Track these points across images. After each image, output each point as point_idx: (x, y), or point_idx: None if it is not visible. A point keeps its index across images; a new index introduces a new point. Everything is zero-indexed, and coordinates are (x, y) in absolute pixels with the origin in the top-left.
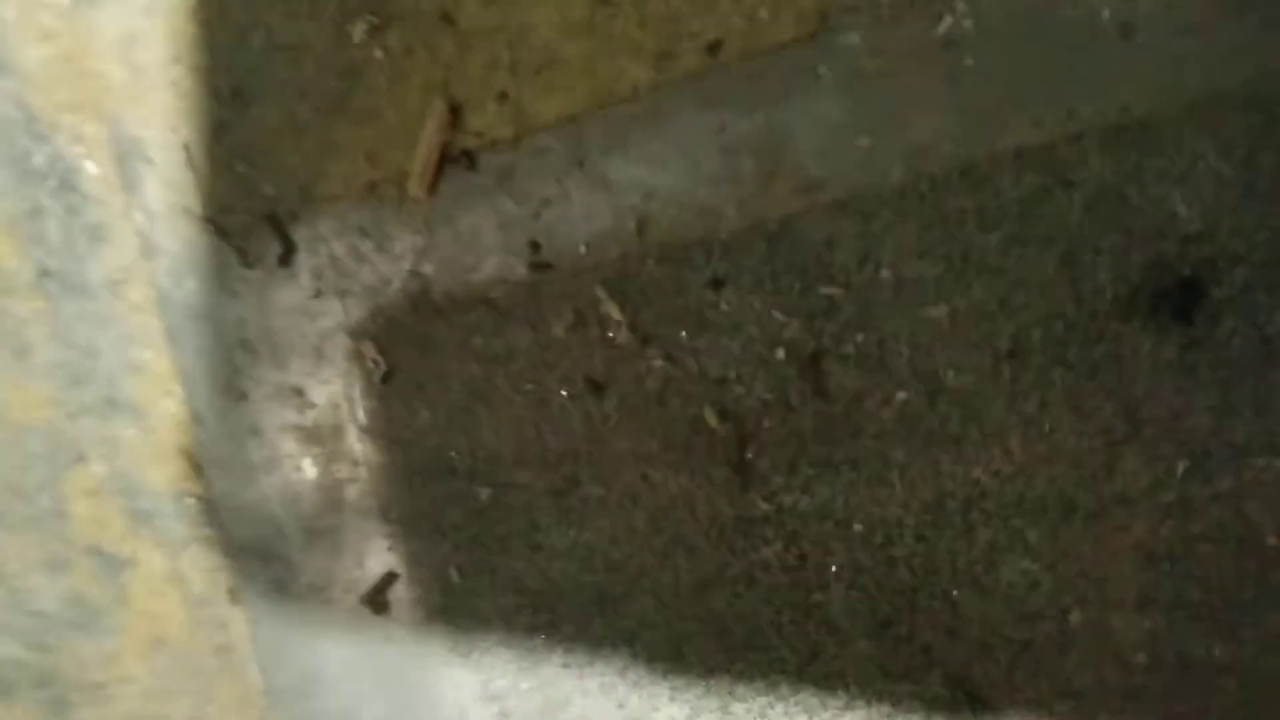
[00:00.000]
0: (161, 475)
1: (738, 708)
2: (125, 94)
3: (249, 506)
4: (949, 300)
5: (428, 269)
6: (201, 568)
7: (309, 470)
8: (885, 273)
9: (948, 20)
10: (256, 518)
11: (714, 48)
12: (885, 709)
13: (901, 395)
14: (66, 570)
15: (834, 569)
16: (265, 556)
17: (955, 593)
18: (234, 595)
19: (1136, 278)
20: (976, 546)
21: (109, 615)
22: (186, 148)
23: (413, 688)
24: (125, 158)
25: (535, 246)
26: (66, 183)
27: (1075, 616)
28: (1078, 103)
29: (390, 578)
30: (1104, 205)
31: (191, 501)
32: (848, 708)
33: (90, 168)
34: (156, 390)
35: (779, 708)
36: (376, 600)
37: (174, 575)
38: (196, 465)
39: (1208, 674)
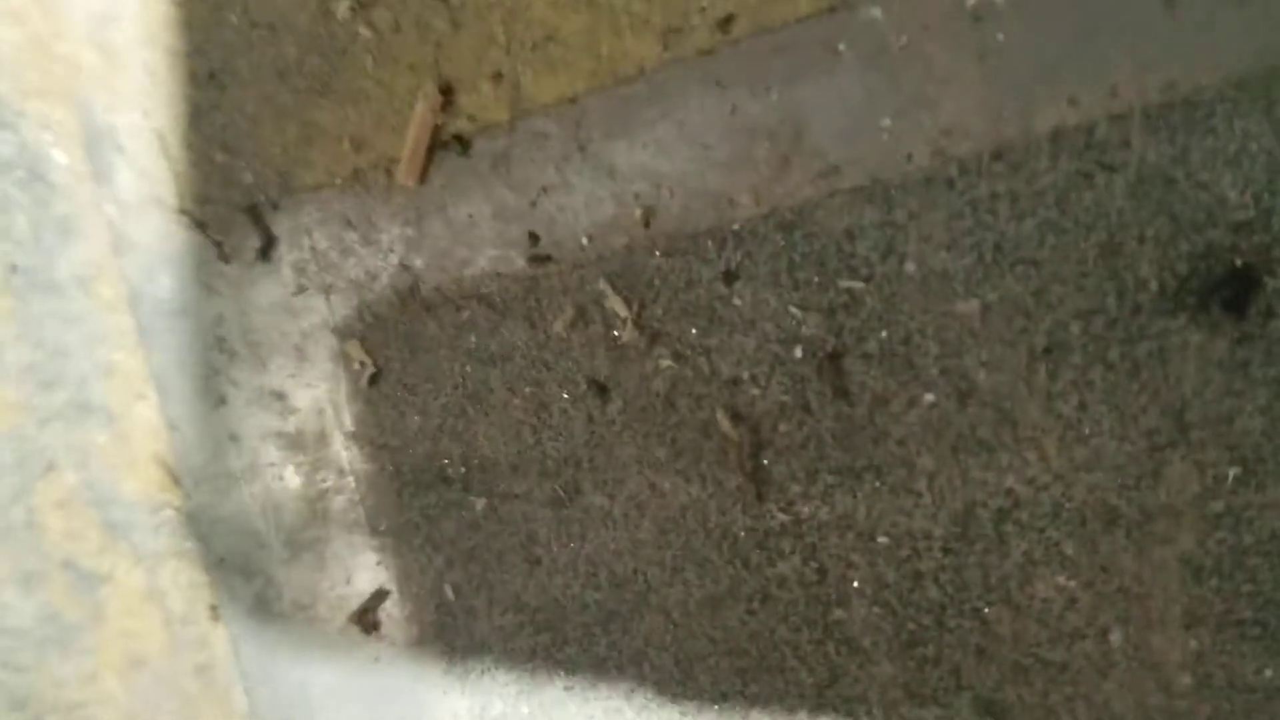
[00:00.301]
0: (136, 485)
1: None
2: (96, 78)
3: (228, 518)
4: (980, 294)
5: (418, 262)
6: (181, 584)
7: (292, 479)
8: (910, 265)
9: None
10: (237, 530)
11: (726, 23)
12: None
13: (929, 397)
14: (41, 585)
15: (856, 584)
16: (247, 572)
17: (986, 610)
18: (215, 613)
19: (1184, 268)
20: (1010, 560)
21: (85, 633)
22: (160, 135)
23: (404, 712)
24: (96, 146)
25: (533, 238)
26: (35, 173)
27: (1115, 636)
28: (1119, 80)
29: (380, 595)
30: (1148, 190)
31: (169, 513)
32: None
33: (59, 157)
34: (129, 394)
35: None
36: (365, 619)
37: (152, 591)
38: (172, 474)
39: (1259, 698)
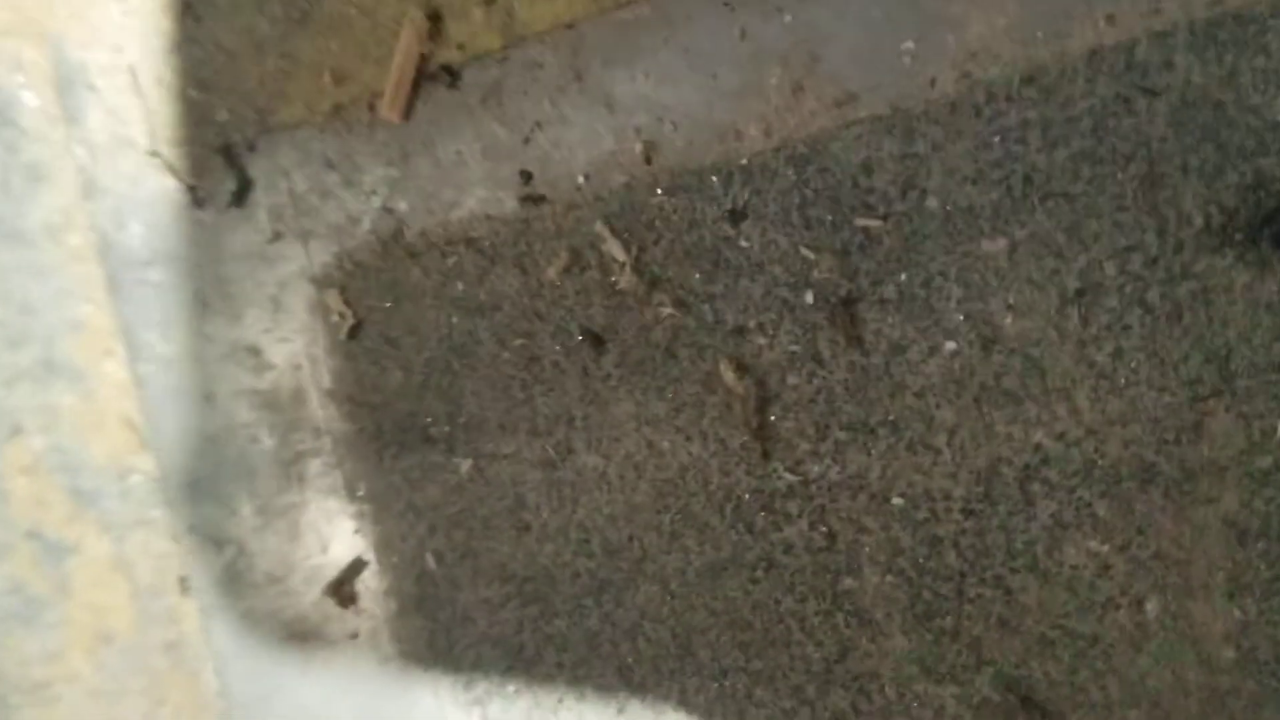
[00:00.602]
0: (104, 449)
1: (756, 714)
2: (68, 11)
3: (199, 484)
4: (1007, 232)
5: (402, 205)
6: (149, 554)
7: (266, 441)
8: (932, 201)
9: None
10: (207, 497)
11: None
12: (927, 716)
13: (950, 345)
14: (6, 557)
15: (868, 550)
16: (218, 541)
17: (1010, 578)
18: (185, 585)
19: (1231, 201)
20: (1036, 523)
21: (52, 607)
22: (132, 71)
23: (384, 689)
24: (67, 86)
25: (526, 176)
26: (4, 117)
27: (1152, 605)
28: None
29: (357, 565)
30: (1193, 116)
31: (137, 478)
32: (883, 714)
33: (29, 99)
34: (97, 350)
35: (803, 713)
36: (342, 591)
37: (120, 562)
38: (141, 436)
39: None
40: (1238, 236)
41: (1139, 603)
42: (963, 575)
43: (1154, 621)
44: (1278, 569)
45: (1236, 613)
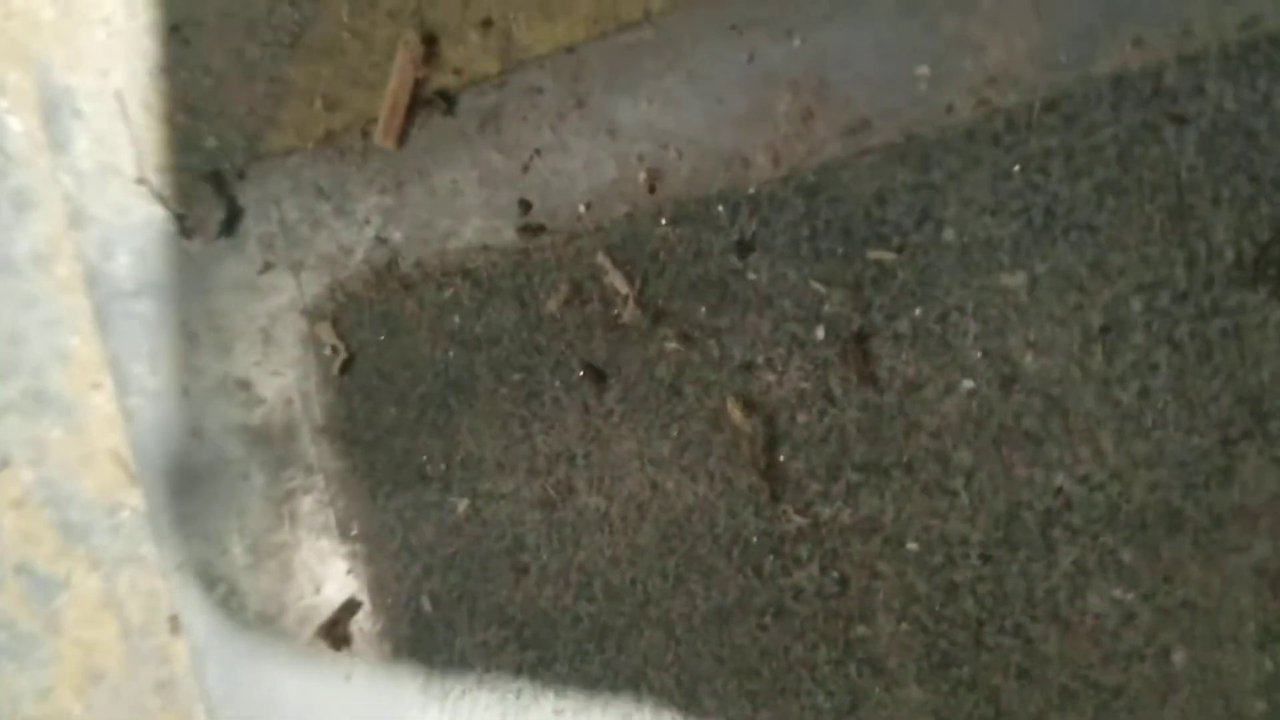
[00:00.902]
0: (93, 483)
1: None
2: (54, 35)
3: (189, 521)
4: (1027, 265)
5: (396, 235)
6: (140, 591)
7: (256, 478)
8: (949, 232)
9: None
10: (198, 534)
11: None
12: None
13: (967, 384)
14: None
15: (882, 596)
16: (208, 579)
17: (1031, 627)
18: (175, 624)
19: (1264, 234)
20: (1058, 570)
21: (42, 644)
22: (119, 96)
23: None
24: (53, 110)
25: (525, 205)
26: None
27: (1179, 656)
28: (1192, 15)
29: (351, 606)
30: (1224, 144)
31: (126, 513)
32: None
33: (15, 124)
34: (84, 382)
35: None
36: (335, 633)
37: (110, 599)
38: (130, 471)
39: None
40: (1271, 272)
41: (1165, 653)
42: (981, 623)
43: (1181, 673)
44: None
45: (1268, 664)
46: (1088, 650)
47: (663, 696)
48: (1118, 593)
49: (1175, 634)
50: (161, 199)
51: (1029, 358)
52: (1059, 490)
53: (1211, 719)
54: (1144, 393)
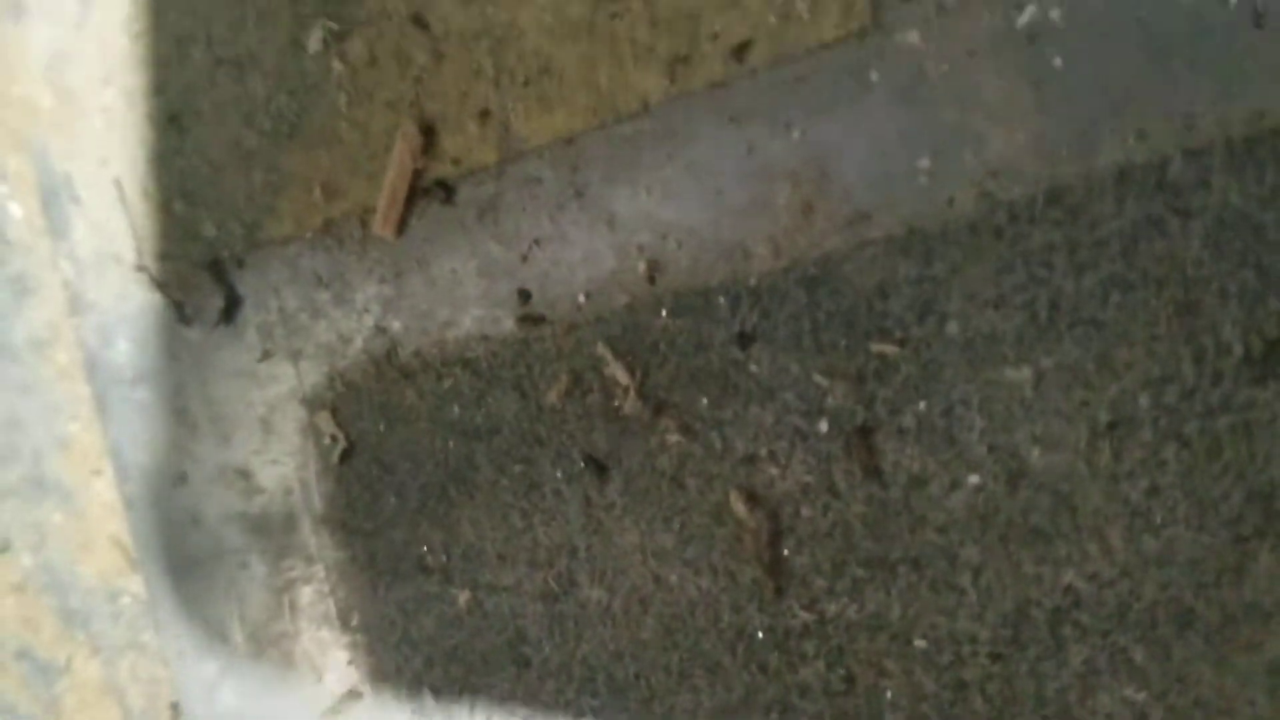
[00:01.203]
0: (93, 568)
1: None
2: (53, 123)
3: (189, 608)
4: (1032, 360)
5: (395, 324)
6: (140, 678)
7: (257, 567)
8: (952, 326)
9: (1030, 9)
10: (198, 622)
11: (740, 50)
12: None
13: (974, 479)
14: None
15: (889, 695)
16: (209, 668)
17: None
18: (176, 712)
19: (1273, 330)
20: (1068, 669)
21: None
22: (118, 184)
23: None
24: (52, 197)
25: (524, 295)
26: None
27: None
28: (1196, 109)
29: (352, 697)
30: (1231, 238)
31: (127, 600)
32: None
33: (15, 210)
34: (84, 469)
35: None
36: None
37: (111, 686)
38: (130, 558)
39: None
40: None
41: None
42: None
43: None
44: None
45: None
46: None
47: None
48: (1129, 692)
49: None
50: (161, 286)
51: (1035, 453)
52: (1068, 588)
53: None
54: (1153, 490)
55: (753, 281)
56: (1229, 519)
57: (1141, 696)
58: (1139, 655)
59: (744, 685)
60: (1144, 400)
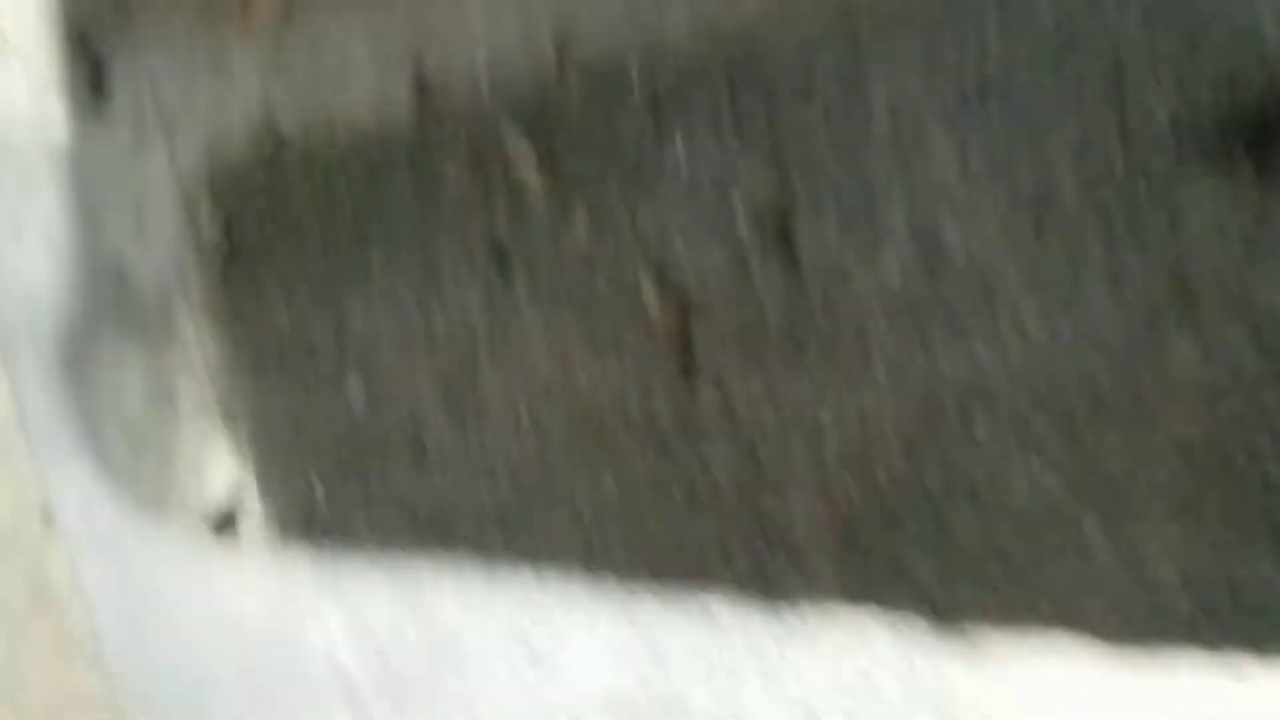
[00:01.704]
0: None
1: (671, 642)
2: None
3: (60, 408)
4: (958, 135)
5: (280, 101)
6: (5, 480)
7: (133, 360)
8: (878, 99)
9: None
10: (71, 416)
11: None
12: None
13: (893, 263)
14: None
15: (794, 472)
16: (84, 467)
17: (946, 504)
18: (47, 516)
19: (1205, 104)
20: (978, 451)
21: None
22: None
23: (269, 624)
24: None
25: (420, 68)
26: None
27: (1092, 526)
28: None
29: (238, 493)
30: (1166, 8)
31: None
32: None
33: None
34: None
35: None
36: (221, 522)
37: None
38: None
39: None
40: (1209, 145)
41: (1078, 522)
42: (895, 499)
43: (1093, 541)
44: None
45: (1176, 531)
46: (1002, 524)
47: (567, 581)
48: (1038, 474)
49: (1090, 506)
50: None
51: (954, 231)
52: (980, 368)
53: (1121, 582)
54: (1072, 269)
55: (670, 54)
56: (1148, 302)
57: (1052, 480)
58: (1050, 438)
59: (649, 470)
60: (1067, 178)
